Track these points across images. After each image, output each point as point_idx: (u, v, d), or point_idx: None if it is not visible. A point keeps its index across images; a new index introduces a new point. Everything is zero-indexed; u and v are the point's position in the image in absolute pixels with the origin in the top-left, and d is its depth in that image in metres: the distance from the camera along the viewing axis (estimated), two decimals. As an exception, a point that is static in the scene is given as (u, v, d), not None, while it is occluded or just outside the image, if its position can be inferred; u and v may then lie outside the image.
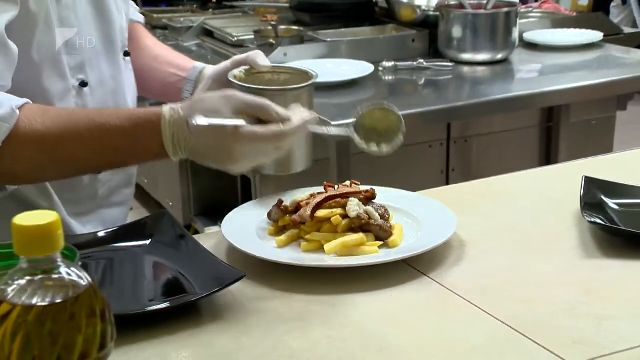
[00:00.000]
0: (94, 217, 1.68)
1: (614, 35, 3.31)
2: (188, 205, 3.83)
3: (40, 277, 0.77)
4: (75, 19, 1.54)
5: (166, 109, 1.30)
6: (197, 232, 3.74)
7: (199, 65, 1.73)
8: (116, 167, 1.54)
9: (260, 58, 1.59)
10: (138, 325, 1.13)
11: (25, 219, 0.76)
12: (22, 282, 0.77)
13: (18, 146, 1.30)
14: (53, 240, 0.76)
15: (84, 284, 0.78)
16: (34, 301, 0.76)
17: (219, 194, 3.80)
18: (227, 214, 1.47)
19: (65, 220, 1.63)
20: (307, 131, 1.43)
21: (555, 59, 3.11)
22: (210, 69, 1.70)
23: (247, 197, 3.25)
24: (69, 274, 0.78)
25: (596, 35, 3.23)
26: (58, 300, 0.76)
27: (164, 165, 3.89)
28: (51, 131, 1.33)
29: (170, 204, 3.95)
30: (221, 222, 1.43)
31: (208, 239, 1.41)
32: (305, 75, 1.53)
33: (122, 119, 1.33)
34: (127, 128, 1.33)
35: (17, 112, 1.30)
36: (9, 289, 0.77)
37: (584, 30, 3.29)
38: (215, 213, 3.75)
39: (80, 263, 0.91)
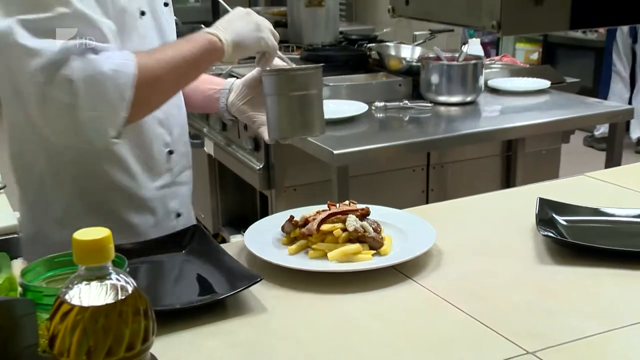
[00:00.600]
0: (170, 191, 1.71)
1: (558, 83, 3.35)
2: (217, 217, 3.83)
3: (94, 282, 0.78)
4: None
5: (215, 39, 1.47)
6: (223, 239, 3.74)
7: (231, 79, 1.78)
8: (191, 80, 1.63)
9: (280, 60, 1.66)
10: (176, 319, 1.13)
11: (82, 234, 0.77)
12: (80, 286, 0.77)
13: (143, 76, 1.37)
14: (105, 252, 0.77)
15: (130, 288, 0.78)
16: (90, 302, 0.76)
17: (242, 208, 3.80)
18: (248, 224, 1.47)
19: (147, 194, 1.69)
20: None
21: (512, 102, 3.13)
22: (240, 79, 1.75)
23: (264, 211, 3.25)
24: (118, 280, 0.78)
25: (544, 83, 3.27)
26: (109, 302, 0.76)
27: (197, 186, 3.89)
28: (160, 62, 1.42)
29: (202, 215, 3.95)
30: (243, 232, 1.44)
31: (233, 247, 1.41)
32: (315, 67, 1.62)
33: (193, 50, 1.46)
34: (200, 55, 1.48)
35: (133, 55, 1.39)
36: (69, 292, 0.77)
37: (535, 79, 3.32)
38: (238, 224, 3.76)
39: (128, 269, 0.90)
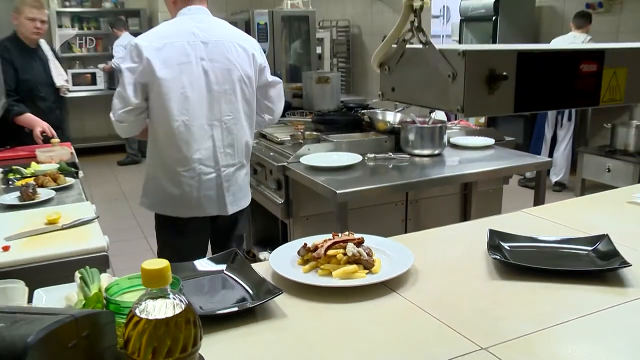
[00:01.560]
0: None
1: (499, 141, 3.35)
2: (250, 238, 3.80)
3: (158, 300, 0.76)
4: None
5: None
6: (254, 255, 3.70)
7: None
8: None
9: None
10: (216, 322, 1.11)
11: (148, 264, 0.75)
12: (147, 303, 0.76)
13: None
14: (165, 278, 0.75)
15: (183, 304, 0.76)
16: (154, 316, 0.74)
17: (268, 232, 3.76)
18: (272, 244, 1.47)
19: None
20: None
21: (468, 154, 3.12)
22: None
23: (284, 235, 3.23)
24: (174, 298, 0.77)
25: (490, 141, 3.28)
26: (168, 315, 0.75)
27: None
28: None
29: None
30: (269, 249, 1.43)
31: (261, 267, 1.38)
32: None
33: None
34: None
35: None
36: (139, 307, 0.75)
37: (483, 137, 3.32)
38: (265, 243, 3.74)
39: (182, 287, 0.88)
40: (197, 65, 2.26)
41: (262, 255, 3.53)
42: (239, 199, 2.48)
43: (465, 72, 0.76)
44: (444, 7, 8.75)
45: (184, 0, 2.33)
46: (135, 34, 8.19)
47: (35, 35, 3.57)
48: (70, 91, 7.46)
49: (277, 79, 2.56)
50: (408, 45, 0.88)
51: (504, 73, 0.77)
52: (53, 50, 3.83)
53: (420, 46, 0.83)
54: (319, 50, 7.56)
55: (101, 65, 7.71)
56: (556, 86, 0.84)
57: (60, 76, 3.72)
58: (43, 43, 3.72)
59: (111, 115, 2.28)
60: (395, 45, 0.89)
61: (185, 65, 2.24)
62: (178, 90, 2.23)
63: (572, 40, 5.50)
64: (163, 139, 2.31)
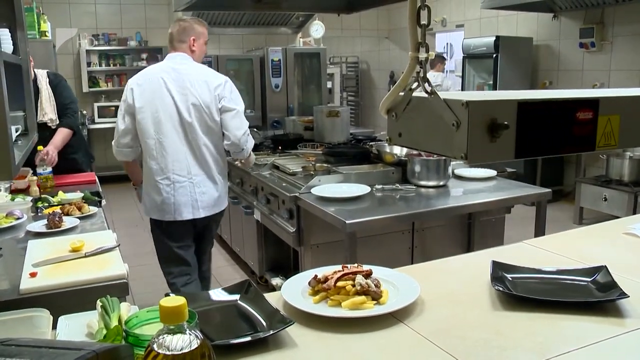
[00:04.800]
0: None
1: (501, 172, 3.35)
2: (262, 265, 3.78)
3: (175, 335, 0.75)
4: None
5: None
6: (266, 280, 3.67)
7: None
8: None
9: None
10: (230, 351, 1.11)
11: (166, 302, 0.75)
12: (164, 338, 0.75)
13: None
14: (181, 315, 0.75)
15: (199, 340, 0.76)
16: (170, 351, 0.74)
17: (280, 259, 3.75)
18: (284, 270, 1.46)
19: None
20: None
21: (471, 185, 3.12)
22: None
23: (295, 262, 3.22)
24: (190, 334, 0.76)
25: (492, 172, 3.27)
26: (185, 350, 0.74)
27: (248, 242, 3.88)
28: None
29: (252, 263, 3.92)
30: (281, 275, 1.42)
31: (273, 297, 1.37)
32: None
33: None
34: None
35: None
36: (157, 342, 0.75)
37: (486, 169, 3.31)
38: (277, 269, 3.72)
39: (197, 321, 0.87)
40: (167, 95, 2.68)
41: (274, 281, 3.51)
42: (210, 205, 2.79)
43: (469, 122, 0.76)
44: (447, 44, 8.82)
45: (172, 47, 2.84)
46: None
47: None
48: (94, 122, 7.58)
49: (233, 106, 2.74)
50: (414, 94, 0.88)
51: (505, 122, 0.77)
52: (52, 84, 3.47)
53: (426, 95, 0.83)
54: (329, 84, 7.61)
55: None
56: (554, 133, 0.84)
57: (46, 113, 3.40)
58: (41, 77, 3.44)
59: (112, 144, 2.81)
60: (402, 94, 0.90)
61: (157, 93, 2.68)
62: (151, 115, 2.67)
63: (433, 79, 5.88)
64: (146, 154, 2.75)
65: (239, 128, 2.73)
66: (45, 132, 3.34)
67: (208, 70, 2.81)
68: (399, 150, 3.32)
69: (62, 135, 3.40)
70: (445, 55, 5.75)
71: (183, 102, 2.68)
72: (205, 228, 2.94)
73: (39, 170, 3.16)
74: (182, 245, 2.84)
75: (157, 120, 2.67)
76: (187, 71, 2.72)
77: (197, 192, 2.73)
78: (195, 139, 2.70)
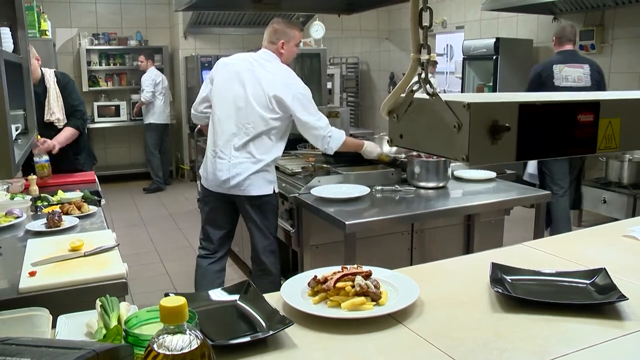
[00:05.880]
0: None
1: (501, 174, 3.35)
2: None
3: (174, 335, 0.75)
4: None
5: None
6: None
7: None
8: None
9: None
10: (229, 351, 1.10)
11: (166, 302, 0.75)
12: (164, 338, 0.75)
13: None
14: (182, 315, 0.75)
15: (199, 340, 0.76)
16: (170, 351, 0.73)
17: (280, 259, 3.74)
18: (284, 270, 1.44)
19: None
20: None
21: (471, 187, 3.12)
22: None
23: (294, 262, 3.21)
24: (190, 334, 0.76)
25: (492, 174, 3.27)
26: (185, 351, 0.74)
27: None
28: None
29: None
30: (281, 277, 1.40)
31: (273, 298, 1.37)
32: None
33: None
34: None
35: None
36: (157, 342, 0.75)
37: (485, 171, 3.31)
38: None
39: (197, 321, 0.87)
40: (239, 81, 2.89)
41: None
42: (242, 185, 2.86)
43: (470, 124, 0.76)
44: (447, 45, 8.82)
45: (265, 45, 3.01)
46: (160, 69, 8.21)
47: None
48: (94, 122, 7.56)
49: (305, 119, 2.84)
50: (416, 95, 0.88)
51: (507, 124, 0.77)
52: (60, 84, 3.48)
53: (427, 97, 0.83)
54: (329, 85, 7.61)
55: (136, 96, 7.74)
56: (555, 136, 0.84)
57: (54, 112, 3.42)
58: (49, 76, 3.45)
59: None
60: (403, 95, 0.90)
61: (233, 76, 2.91)
62: (220, 93, 2.95)
63: None
64: (210, 125, 3.00)
65: (316, 137, 2.86)
66: (51, 132, 3.37)
67: (290, 75, 2.92)
68: (388, 150, 3.32)
69: (67, 133, 3.41)
70: (436, 59, 5.75)
71: (251, 93, 2.84)
72: (245, 211, 3.00)
73: (36, 159, 3.17)
74: (218, 215, 3.10)
75: (222, 99, 2.92)
76: (269, 69, 2.89)
77: (233, 171, 2.86)
78: (245, 128, 2.84)
